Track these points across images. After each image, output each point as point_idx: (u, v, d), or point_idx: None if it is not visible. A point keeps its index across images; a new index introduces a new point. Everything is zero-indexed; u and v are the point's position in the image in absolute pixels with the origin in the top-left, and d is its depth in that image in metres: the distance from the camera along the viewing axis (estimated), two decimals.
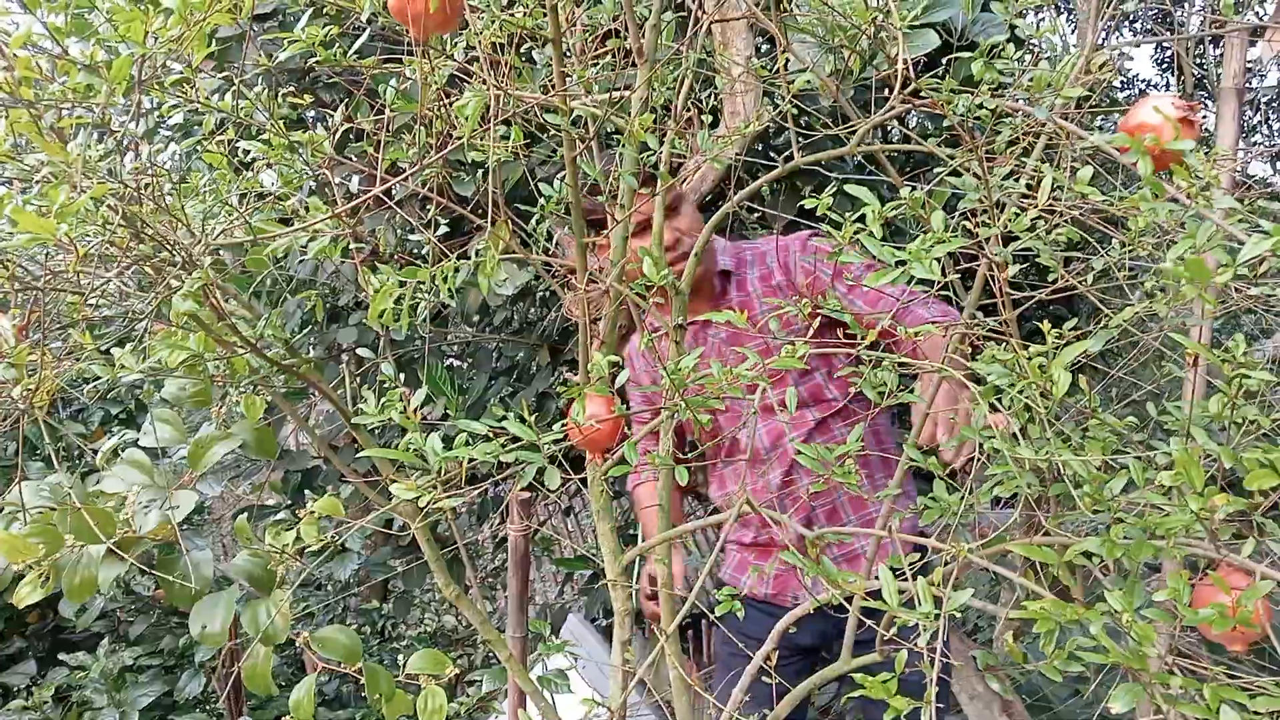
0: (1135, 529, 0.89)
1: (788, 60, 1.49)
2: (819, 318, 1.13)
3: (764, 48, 2.94)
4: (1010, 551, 1.01)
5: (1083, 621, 0.87)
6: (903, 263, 0.92)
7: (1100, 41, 1.43)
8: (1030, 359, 0.85)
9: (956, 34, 2.38)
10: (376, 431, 3.16)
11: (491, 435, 0.91)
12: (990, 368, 0.88)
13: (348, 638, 1.47)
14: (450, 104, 1.07)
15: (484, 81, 1.02)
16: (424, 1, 0.97)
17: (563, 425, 0.99)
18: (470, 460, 1.00)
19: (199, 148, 1.52)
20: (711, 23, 1.90)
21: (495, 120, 1.02)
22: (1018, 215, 0.97)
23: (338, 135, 1.37)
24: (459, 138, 1.02)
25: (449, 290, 1.19)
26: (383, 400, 0.97)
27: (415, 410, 0.95)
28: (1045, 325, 0.87)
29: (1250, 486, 0.75)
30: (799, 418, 1.90)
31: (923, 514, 1.20)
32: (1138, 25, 8.87)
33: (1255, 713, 0.82)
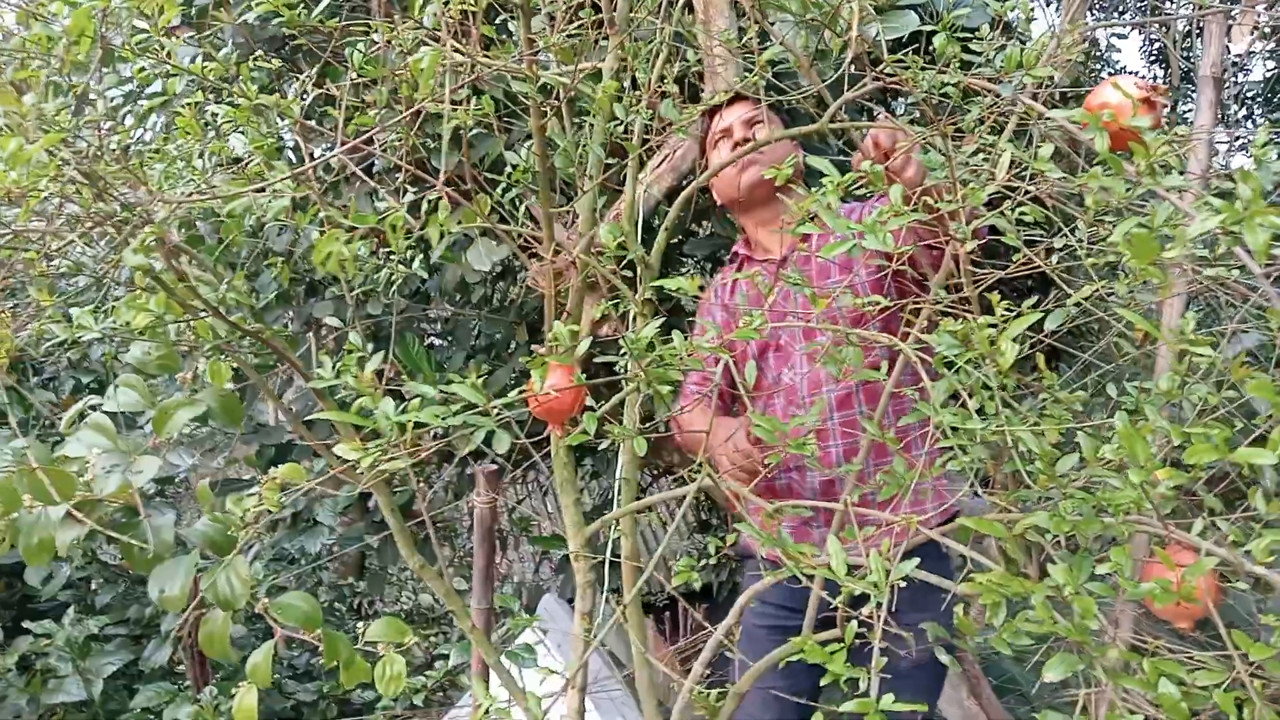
0: (1085, 505, 0.89)
1: (766, 37, 1.49)
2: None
3: (746, 24, 2.93)
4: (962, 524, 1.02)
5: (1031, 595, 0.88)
6: (857, 235, 0.92)
7: (1078, 22, 1.43)
8: (979, 330, 0.85)
9: (938, 17, 2.38)
10: (344, 404, 3.15)
11: (444, 401, 0.90)
12: (940, 339, 0.89)
13: (307, 604, 1.47)
14: (415, 59, 1.06)
15: (448, 44, 1.01)
16: None
17: (520, 392, 0.99)
18: (442, 434, 1.00)
19: (166, 102, 1.50)
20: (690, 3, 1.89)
21: (463, 84, 1.01)
22: (976, 190, 0.98)
23: (310, 102, 1.36)
24: (420, 99, 1.01)
25: (421, 264, 1.19)
26: (337, 364, 0.97)
27: (372, 374, 0.95)
28: (995, 298, 0.88)
29: (1189, 460, 0.75)
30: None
31: (881, 490, 1.21)
32: (1127, 16, 8.88)
33: (1200, 687, 0.83)
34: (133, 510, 1.65)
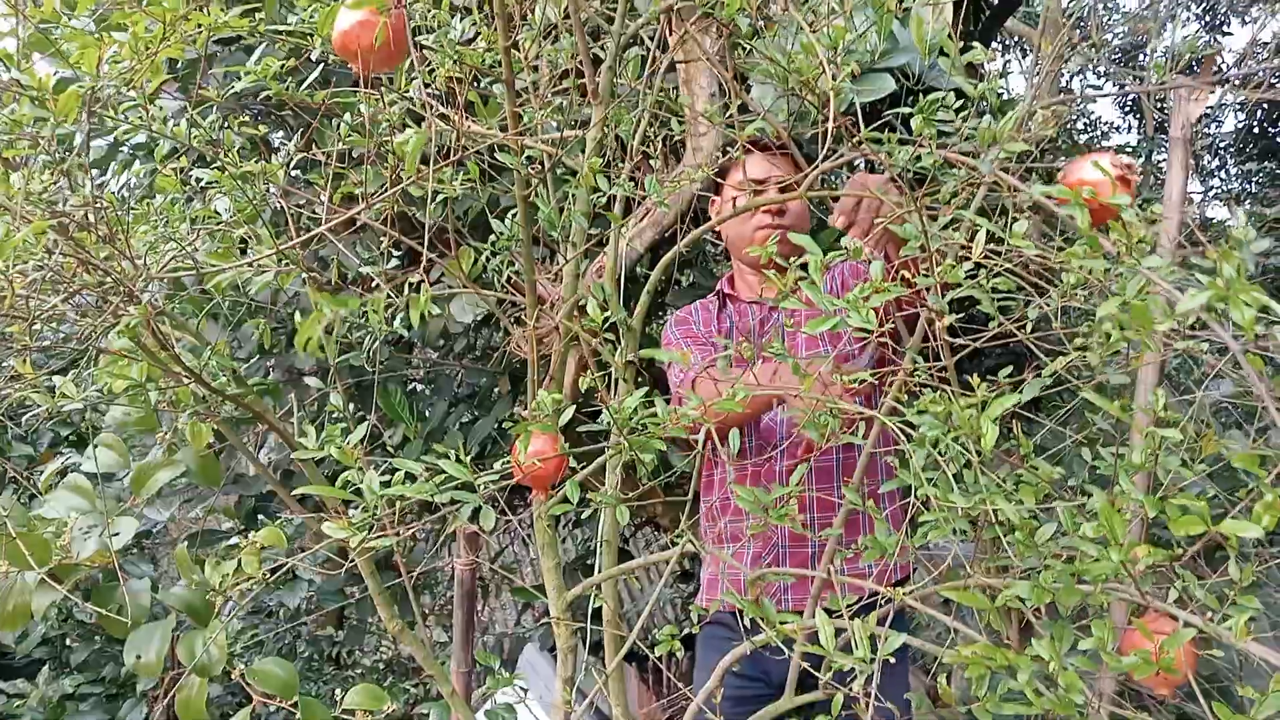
0: (1064, 575, 0.90)
1: (745, 105, 1.52)
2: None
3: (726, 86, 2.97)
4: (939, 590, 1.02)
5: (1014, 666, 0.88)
6: (840, 311, 0.94)
7: (1052, 89, 1.47)
8: (962, 410, 0.86)
9: (914, 78, 2.42)
10: (324, 461, 3.13)
11: (429, 474, 0.90)
12: (921, 419, 0.90)
13: (284, 671, 1.46)
14: (400, 140, 1.08)
15: (438, 118, 1.02)
16: (368, 38, 0.98)
17: (505, 464, 1.00)
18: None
19: (153, 166, 1.51)
20: (673, 63, 1.92)
21: (452, 157, 1.03)
22: (954, 267, 0.99)
23: (293, 163, 1.37)
24: (406, 176, 1.03)
25: (403, 321, 1.20)
26: (322, 435, 0.97)
27: (357, 445, 0.95)
28: (975, 380, 0.89)
29: (1176, 532, 0.76)
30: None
31: (863, 555, 1.22)
32: (1101, 69, 9.08)
33: None
34: (111, 572, 1.64)
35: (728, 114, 1.74)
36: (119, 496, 1.87)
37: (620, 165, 1.38)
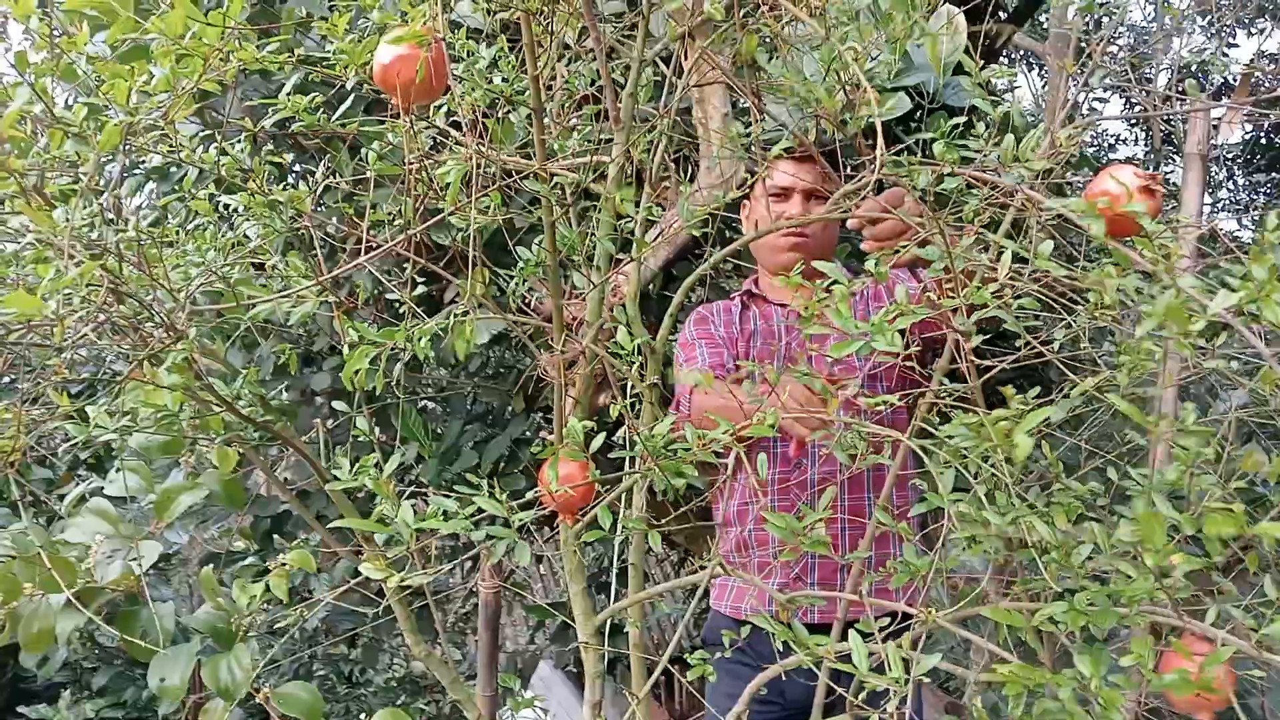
0: (1100, 595, 0.90)
1: (763, 122, 1.53)
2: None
3: (740, 104, 2.99)
4: (980, 613, 1.02)
5: (1049, 686, 0.88)
6: (866, 334, 0.94)
7: (1069, 107, 1.48)
8: (994, 424, 0.87)
9: (929, 97, 2.43)
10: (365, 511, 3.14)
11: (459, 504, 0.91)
12: (954, 430, 0.90)
13: (309, 694, 1.46)
14: (431, 166, 1.09)
15: (465, 146, 1.03)
16: (410, 71, 0.99)
17: (536, 494, 1.00)
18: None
19: (177, 192, 1.53)
20: (691, 85, 1.94)
21: (477, 185, 1.04)
22: (979, 288, 1.00)
23: (320, 190, 1.38)
24: (441, 208, 1.04)
25: (427, 348, 1.20)
26: (356, 466, 0.97)
27: (389, 476, 0.96)
28: (1009, 391, 0.89)
29: (1210, 533, 0.76)
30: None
31: (893, 577, 1.22)
32: (1106, 80, 9.07)
33: None
34: (133, 596, 1.64)
35: (747, 132, 1.75)
36: (142, 515, 1.88)
37: (639, 188, 1.39)
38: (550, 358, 1.16)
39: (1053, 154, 1.21)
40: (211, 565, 3.12)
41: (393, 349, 1.40)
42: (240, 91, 2.33)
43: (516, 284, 1.28)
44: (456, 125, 1.27)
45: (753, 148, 1.65)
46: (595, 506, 1.14)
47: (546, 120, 1.25)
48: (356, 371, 0.98)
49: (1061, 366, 1.13)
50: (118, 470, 1.56)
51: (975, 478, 0.97)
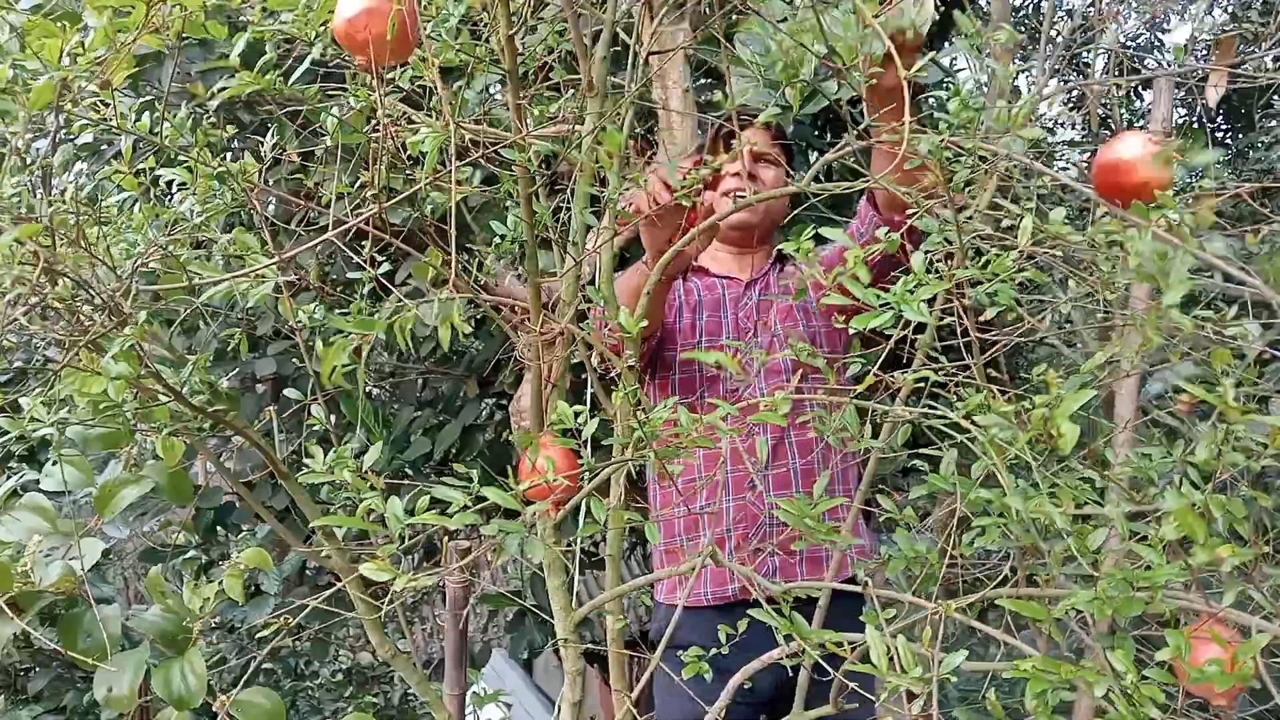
0: (1123, 583, 0.86)
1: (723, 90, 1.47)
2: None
3: (700, 80, 2.92)
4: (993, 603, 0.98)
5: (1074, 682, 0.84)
6: (887, 305, 0.89)
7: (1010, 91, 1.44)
8: (1030, 409, 0.81)
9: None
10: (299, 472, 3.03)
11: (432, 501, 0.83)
12: (989, 419, 0.85)
13: (269, 700, 1.37)
14: (398, 135, 1.01)
15: (435, 113, 0.95)
16: (377, 27, 0.90)
17: (530, 485, 0.93)
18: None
19: (111, 168, 1.42)
20: (650, 54, 1.87)
21: (451, 156, 0.95)
22: (996, 258, 0.95)
23: (268, 164, 1.29)
24: (415, 179, 0.96)
25: (404, 337, 1.12)
26: (329, 456, 0.89)
27: (369, 469, 0.87)
28: (1050, 376, 0.84)
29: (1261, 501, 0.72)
30: (782, 384, 1.82)
31: (888, 564, 1.17)
32: (1047, 65, 9.15)
33: None
34: (74, 598, 1.53)
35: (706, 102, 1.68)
36: (77, 509, 1.76)
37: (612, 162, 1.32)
38: (529, 339, 1.09)
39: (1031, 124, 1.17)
40: (149, 559, 2.98)
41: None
42: (178, 61, 2.20)
43: (486, 262, 1.21)
44: (421, 91, 1.18)
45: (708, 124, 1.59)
46: (581, 497, 1.08)
47: (523, 87, 1.17)
48: (333, 370, 0.89)
49: (1059, 347, 1.09)
50: (54, 463, 1.45)
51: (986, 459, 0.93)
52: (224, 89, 1.12)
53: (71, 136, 2.91)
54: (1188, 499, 0.79)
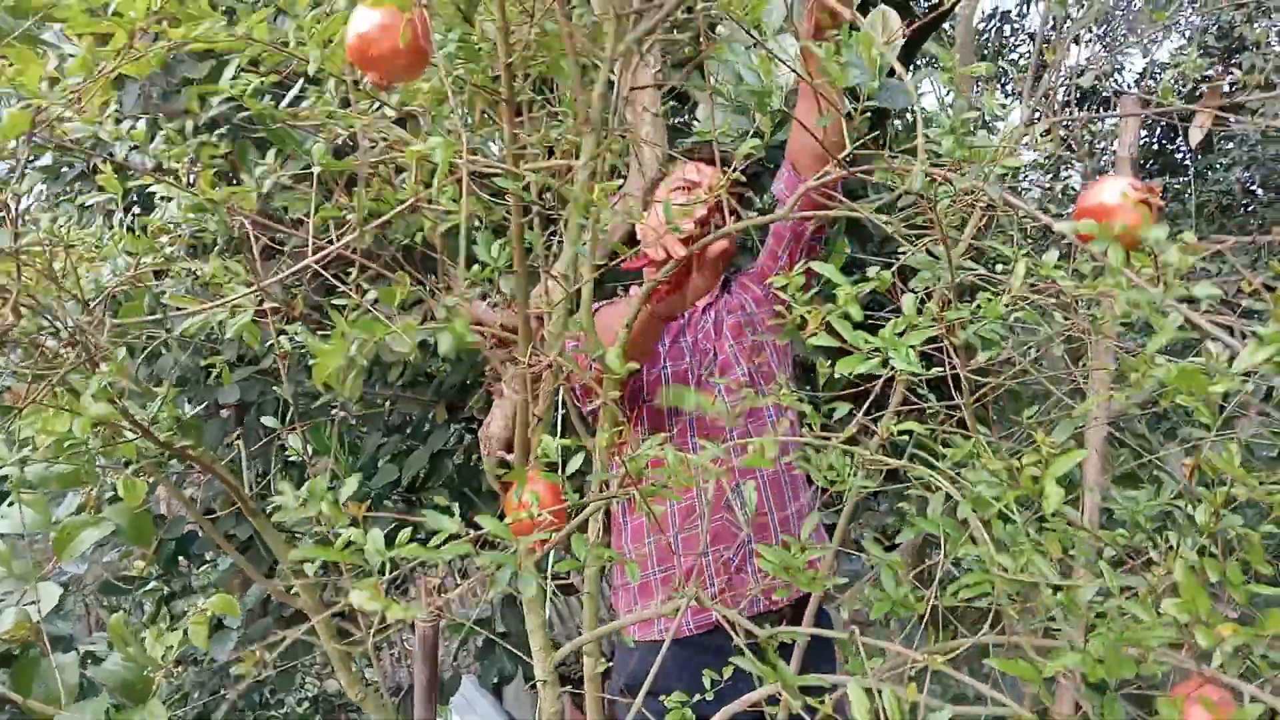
0: (1111, 641, 0.84)
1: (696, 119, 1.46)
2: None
3: (670, 105, 2.91)
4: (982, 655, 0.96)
5: None
6: (876, 350, 0.87)
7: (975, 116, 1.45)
8: (1020, 469, 0.80)
9: (861, 98, 2.39)
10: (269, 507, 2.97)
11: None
12: (978, 477, 0.83)
13: None
14: (388, 163, 0.98)
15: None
16: (390, 42, 0.87)
17: (516, 519, 0.90)
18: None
19: (68, 192, 1.38)
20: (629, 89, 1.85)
21: (444, 179, 0.93)
22: (989, 301, 0.94)
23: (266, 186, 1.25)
24: (402, 200, 0.93)
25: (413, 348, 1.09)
26: (304, 489, 0.85)
27: (350, 503, 0.84)
28: (1041, 437, 0.82)
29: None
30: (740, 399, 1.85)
31: (873, 609, 1.15)
32: (1009, 87, 9.33)
33: None
34: (28, 644, 1.48)
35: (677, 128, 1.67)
36: (29, 544, 1.70)
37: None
38: (516, 372, 1.06)
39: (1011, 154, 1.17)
40: (114, 595, 2.89)
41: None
42: (155, 81, 2.15)
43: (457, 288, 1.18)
44: (411, 116, 1.16)
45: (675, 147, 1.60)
46: (567, 533, 1.05)
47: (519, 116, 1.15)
48: (331, 375, 0.86)
49: (1052, 389, 1.08)
50: (10, 504, 1.39)
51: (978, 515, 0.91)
52: (177, 95, 1.09)
53: (32, 159, 2.85)
54: (1187, 562, 0.78)
